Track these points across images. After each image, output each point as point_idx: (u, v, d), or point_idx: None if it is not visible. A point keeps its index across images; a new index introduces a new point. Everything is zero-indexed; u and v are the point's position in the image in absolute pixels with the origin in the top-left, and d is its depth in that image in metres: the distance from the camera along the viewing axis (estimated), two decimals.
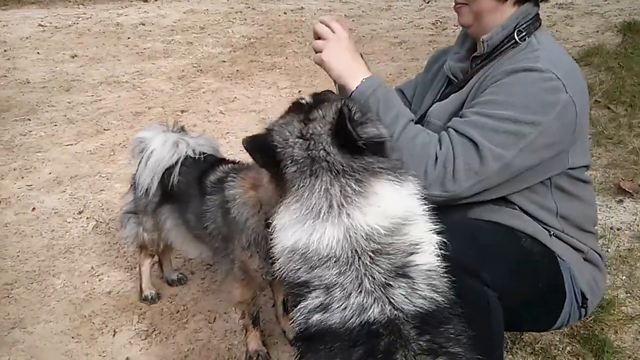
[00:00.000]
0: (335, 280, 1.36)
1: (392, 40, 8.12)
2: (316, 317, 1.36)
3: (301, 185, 1.43)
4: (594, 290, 2.10)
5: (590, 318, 2.65)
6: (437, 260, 1.40)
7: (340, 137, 1.42)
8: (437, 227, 1.43)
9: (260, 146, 1.51)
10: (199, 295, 3.13)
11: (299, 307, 1.39)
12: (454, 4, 2.08)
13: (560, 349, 2.63)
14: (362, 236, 1.36)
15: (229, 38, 8.65)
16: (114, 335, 2.86)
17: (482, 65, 2.02)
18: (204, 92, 6.34)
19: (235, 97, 6.16)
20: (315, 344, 1.37)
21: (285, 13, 10.11)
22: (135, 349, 2.77)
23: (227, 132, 5.23)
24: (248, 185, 2.32)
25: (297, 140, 1.47)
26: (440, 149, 1.82)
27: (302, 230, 1.40)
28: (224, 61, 7.46)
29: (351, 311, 1.33)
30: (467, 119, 1.85)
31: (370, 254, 1.36)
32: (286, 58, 7.48)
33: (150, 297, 3.06)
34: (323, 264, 1.37)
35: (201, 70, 7.13)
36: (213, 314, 2.98)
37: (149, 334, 2.85)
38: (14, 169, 4.62)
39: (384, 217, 1.36)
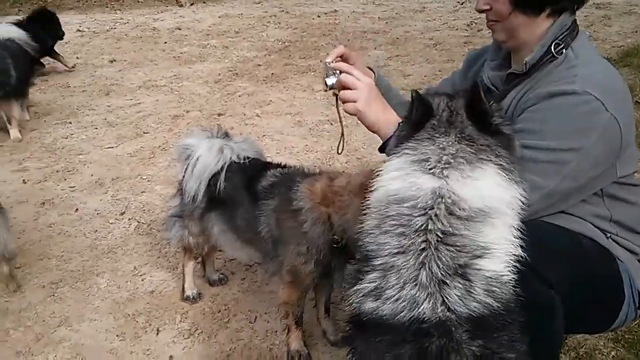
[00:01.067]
0: (394, 262, 1.36)
1: (427, 42, 8.09)
2: (369, 304, 1.36)
3: (427, 136, 1.52)
4: None
5: (635, 322, 2.61)
6: (506, 270, 1.37)
7: (475, 110, 1.51)
8: (519, 239, 1.42)
9: (422, 101, 1.59)
10: (239, 295, 3.17)
11: (354, 288, 1.42)
12: (486, 21, 2.06)
13: (605, 353, 2.60)
14: (446, 202, 1.37)
15: (264, 42, 8.72)
16: (157, 333, 2.91)
17: (520, 80, 1.99)
18: (240, 96, 6.41)
19: (271, 100, 6.21)
20: (366, 334, 1.38)
21: (319, 16, 10.15)
22: (179, 348, 2.81)
23: (264, 135, 5.27)
24: (317, 199, 2.37)
25: (445, 108, 1.58)
26: None
27: (400, 175, 1.46)
28: (259, 65, 7.52)
29: (403, 304, 1.32)
30: None
31: (439, 234, 1.35)
32: (320, 61, 7.46)
33: (192, 297, 3.11)
34: (394, 226, 1.40)
35: (237, 73, 7.21)
36: (254, 314, 3.01)
37: (192, 333, 2.89)
38: (57, 171, 4.74)
39: (474, 194, 1.38)
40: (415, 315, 1.31)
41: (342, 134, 2.27)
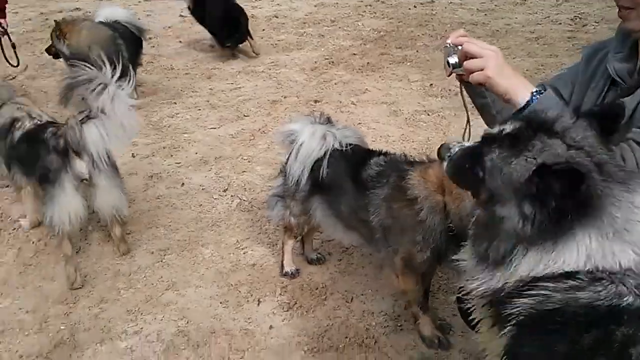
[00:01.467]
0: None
1: (528, 36, 7.85)
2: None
3: (605, 201, 1.31)
4: None
5: None
6: None
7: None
8: None
9: (573, 179, 1.28)
10: (336, 275, 3.25)
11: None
12: (617, 10, 1.96)
13: None
14: None
15: (359, 31, 8.74)
16: (258, 304, 3.04)
17: None
18: (335, 84, 6.48)
19: (367, 89, 6.24)
20: (539, 325, 1.32)
21: (415, 6, 10.06)
22: (278, 319, 2.93)
23: (359, 123, 5.32)
24: (433, 187, 2.39)
25: (573, 151, 1.36)
26: (625, 163, 1.71)
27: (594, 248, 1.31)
28: (354, 54, 7.56)
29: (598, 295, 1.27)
30: None
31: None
32: (417, 51, 7.46)
33: (290, 273, 3.23)
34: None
35: (333, 62, 7.28)
36: (350, 294, 3.08)
37: (291, 307, 3.00)
38: (164, 147, 5.00)
39: None
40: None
41: (468, 121, 2.11)
